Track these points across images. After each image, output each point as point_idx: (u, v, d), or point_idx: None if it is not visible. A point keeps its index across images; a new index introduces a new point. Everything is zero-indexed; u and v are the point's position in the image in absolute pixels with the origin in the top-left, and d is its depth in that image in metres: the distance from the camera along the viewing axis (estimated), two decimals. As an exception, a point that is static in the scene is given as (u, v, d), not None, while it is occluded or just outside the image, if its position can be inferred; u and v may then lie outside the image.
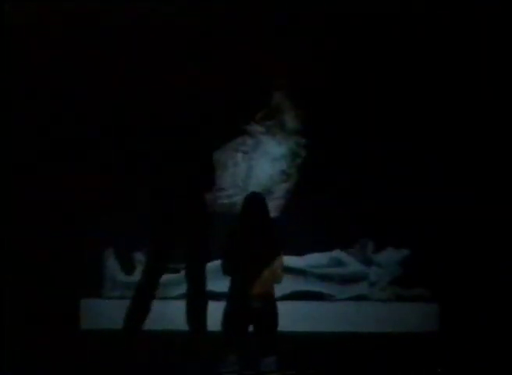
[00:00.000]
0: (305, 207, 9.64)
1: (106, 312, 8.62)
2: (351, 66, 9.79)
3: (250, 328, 6.44)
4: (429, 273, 9.22)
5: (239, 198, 8.58)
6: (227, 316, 6.40)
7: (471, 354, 7.85)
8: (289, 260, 9.28)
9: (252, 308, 6.41)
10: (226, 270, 6.55)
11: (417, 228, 9.34)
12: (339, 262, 9.38)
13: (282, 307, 8.99)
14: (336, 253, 9.43)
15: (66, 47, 9.53)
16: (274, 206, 9.26)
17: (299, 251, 9.35)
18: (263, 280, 6.50)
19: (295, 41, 9.67)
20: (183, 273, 6.89)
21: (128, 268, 9.40)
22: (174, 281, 8.60)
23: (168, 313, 8.19)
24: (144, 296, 6.57)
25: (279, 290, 8.98)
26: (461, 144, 9.60)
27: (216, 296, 9.10)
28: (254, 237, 6.45)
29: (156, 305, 6.69)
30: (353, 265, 9.36)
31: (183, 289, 6.99)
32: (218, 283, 9.03)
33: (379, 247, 9.36)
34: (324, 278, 9.23)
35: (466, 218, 9.23)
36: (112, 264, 9.51)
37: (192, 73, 9.26)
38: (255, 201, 6.59)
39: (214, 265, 9.04)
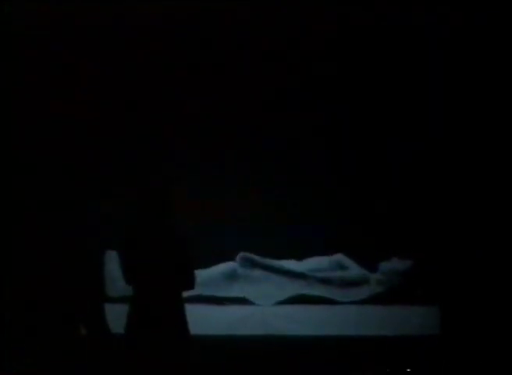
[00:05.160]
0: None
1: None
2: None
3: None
4: (430, 276, 9.20)
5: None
6: (130, 325, 5.80)
7: (472, 357, 7.87)
8: (290, 264, 9.32)
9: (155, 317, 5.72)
10: (129, 279, 5.80)
11: (418, 230, 9.34)
12: (340, 266, 9.37)
13: (283, 311, 9.05)
14: (338, 257, 9.43)
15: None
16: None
17: (299, 255, 9.38)
18: (166, 286, 5.73)
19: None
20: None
21: None
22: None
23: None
24: None
25: (279, 294, 9.06)
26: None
27: (218, 301, 9.16)
28: (154, 241, 5.75)
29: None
30: (354, 269, 9.36)
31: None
32: (220, 288, 9.12)
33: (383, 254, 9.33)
34: (325, 282, 9.21)
35: (466, 218, 9.19)
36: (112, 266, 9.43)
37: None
38: (154, 197, 5.76)
39: (215, 270, 9.13)
